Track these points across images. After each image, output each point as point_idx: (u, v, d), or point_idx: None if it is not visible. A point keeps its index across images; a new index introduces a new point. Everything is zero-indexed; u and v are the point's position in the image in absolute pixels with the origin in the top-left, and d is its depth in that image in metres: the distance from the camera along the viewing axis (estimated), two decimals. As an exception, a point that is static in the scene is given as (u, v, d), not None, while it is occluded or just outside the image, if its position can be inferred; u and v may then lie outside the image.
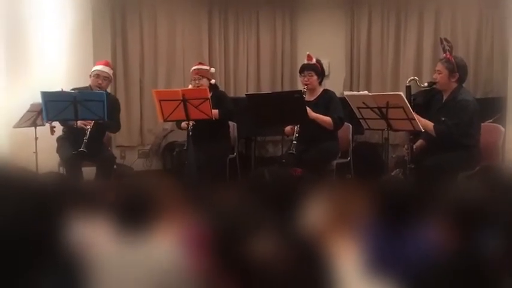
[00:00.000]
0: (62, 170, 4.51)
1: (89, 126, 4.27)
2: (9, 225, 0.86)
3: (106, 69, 4.63)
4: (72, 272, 1.10)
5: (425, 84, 4.10)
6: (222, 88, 5.31)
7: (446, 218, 1.55)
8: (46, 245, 0.92)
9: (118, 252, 1.56)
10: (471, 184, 1.76)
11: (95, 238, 1.55)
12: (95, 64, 4.73)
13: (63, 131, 4.56)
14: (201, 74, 4.70)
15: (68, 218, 0.97)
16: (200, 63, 4.91)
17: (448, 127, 3.86)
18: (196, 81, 4.65)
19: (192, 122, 4.35)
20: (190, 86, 4.66)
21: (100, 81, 4.55)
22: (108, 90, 4.81)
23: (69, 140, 4.44)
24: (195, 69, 4.75)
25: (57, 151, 4.53)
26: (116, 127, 4.79)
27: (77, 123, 4.26)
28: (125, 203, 1.62)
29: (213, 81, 4.78)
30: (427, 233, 1.67)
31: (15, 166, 0.95)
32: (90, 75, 4.59)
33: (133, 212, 1.60)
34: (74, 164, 4.31)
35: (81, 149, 4.16)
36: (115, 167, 4.80)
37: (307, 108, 4.19)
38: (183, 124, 4.45)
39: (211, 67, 4.98)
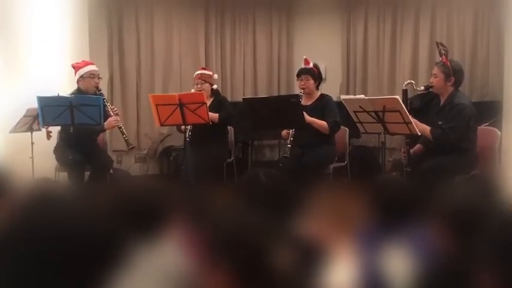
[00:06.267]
0: (58, 175, 4.50)
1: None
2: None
3: (95, 67, 4.58)
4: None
5: (422, 88, 4.11)
6: (218, 92, 5.32)
7: (441, 221, 1.55)
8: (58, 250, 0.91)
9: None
10: (466, 188, 1.76)
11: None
12: (76, 67, 4.54)
13: (59, 136, 4.53)
14: (204, 78, 4.73)
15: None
16: (204, 68, 4.99)
17: (444, 131, 3.87)
18: (199, 86, 4.69)
19: (189, 126, 4.37)
20: (192, 90, 4.70)
21: (97, 80, 4.50)
22: (104, 93, 4.80)
23: (69, 146, 4.40)
24: (198, 74, 4.79)
25: (58, 160, 4.49)
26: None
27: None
28: (129, 209, 1.61)
29: (215, 86, 4.82)
30: (422, 236, 1.67)
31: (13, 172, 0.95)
32: (83, 77, 4.48)
33: (139, 218, 1.60)
34: (78, 169, 4.30)
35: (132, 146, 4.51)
36: (111, 171, 4.79)
37: (304, 113, 4.20)
38: (183, 127, 4.44)
39: (214, 73, 4.99)
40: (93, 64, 4.59)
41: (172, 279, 1.46)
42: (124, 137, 4.41)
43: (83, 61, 4.61)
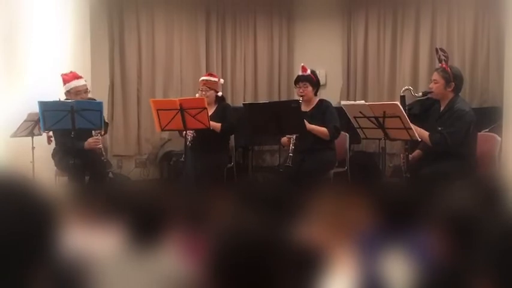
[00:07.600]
0: (58, 179, 4.50)
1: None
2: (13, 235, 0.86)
3: (82, 82, 4.43)
4: (77, 282, 1.10)
5: (420, 94, 4.12)
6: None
7: (441, 226, 1.56)
8: (50, 254, 0.91)
9: (125, 262, 1.56)
10: (465, 194, 1.77)
11: (101, 248, 1.55)
12: (64, 79, 4.41)
13: (56, 144, 4.52)
14: (209, 85, 4.70)
15: (71, 227, 0.98)
16: (210, 74, 4.92)
17: (443, 136, 3.88)
18: (203, 92, 4.66)
19: (192, 133, 4.37)
20: (197, 95, 4.68)
21: (84, 96, 4.37)
22: (105, 98, 4.80)
23: (67, 151, 4.39)
24: (203, 80, 4.76)
25: (57, 165, 4.47)
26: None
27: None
28: (131, 214, 1.61)
29: (220, 93, 4.78)
30: (422, 241, 1.68)
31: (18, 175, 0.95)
32: (69, 92, 4.38)
33: (140, 222, 1.60)
34: (79, 174, 4.30)
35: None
36: (111, 175, 4.79)
37: (304, 121, 4.20)
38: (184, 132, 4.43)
39: (220, 78, 4.92)
40: (80, 78, 4.42)
41: (172, 283, 1.47)
42: (102, 158, 4.33)
43: (70, 72, 4.46)
